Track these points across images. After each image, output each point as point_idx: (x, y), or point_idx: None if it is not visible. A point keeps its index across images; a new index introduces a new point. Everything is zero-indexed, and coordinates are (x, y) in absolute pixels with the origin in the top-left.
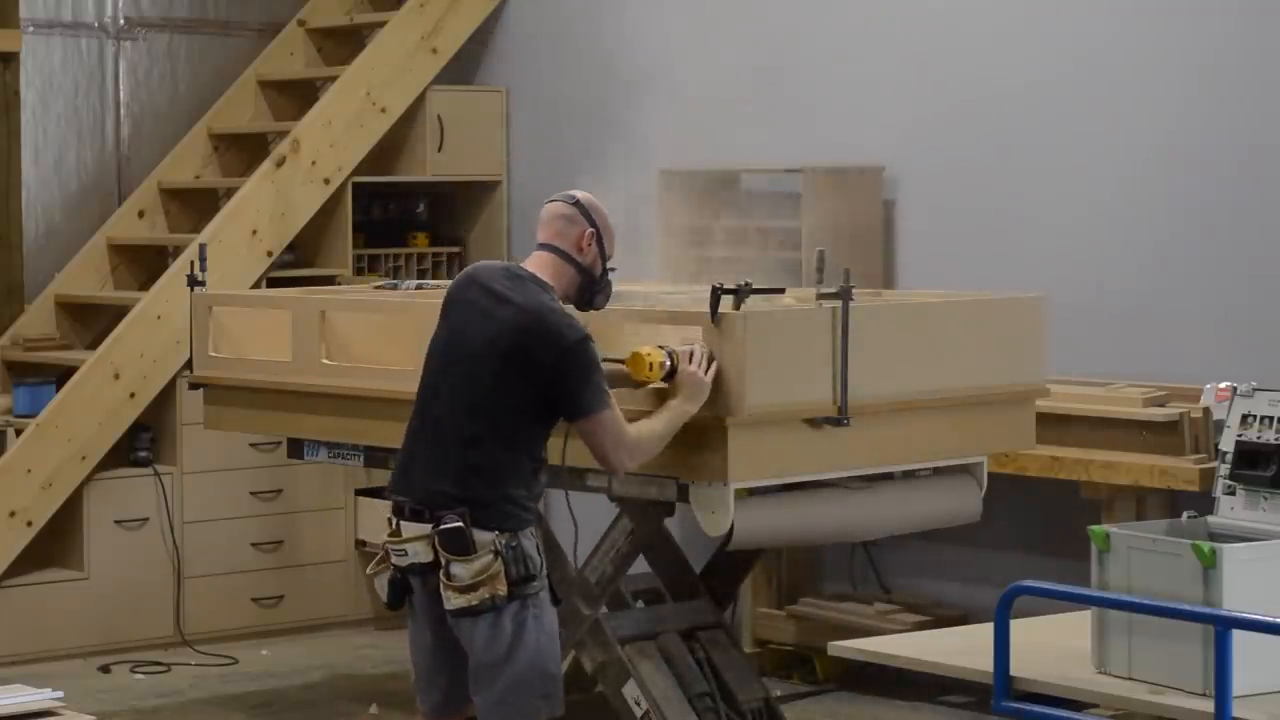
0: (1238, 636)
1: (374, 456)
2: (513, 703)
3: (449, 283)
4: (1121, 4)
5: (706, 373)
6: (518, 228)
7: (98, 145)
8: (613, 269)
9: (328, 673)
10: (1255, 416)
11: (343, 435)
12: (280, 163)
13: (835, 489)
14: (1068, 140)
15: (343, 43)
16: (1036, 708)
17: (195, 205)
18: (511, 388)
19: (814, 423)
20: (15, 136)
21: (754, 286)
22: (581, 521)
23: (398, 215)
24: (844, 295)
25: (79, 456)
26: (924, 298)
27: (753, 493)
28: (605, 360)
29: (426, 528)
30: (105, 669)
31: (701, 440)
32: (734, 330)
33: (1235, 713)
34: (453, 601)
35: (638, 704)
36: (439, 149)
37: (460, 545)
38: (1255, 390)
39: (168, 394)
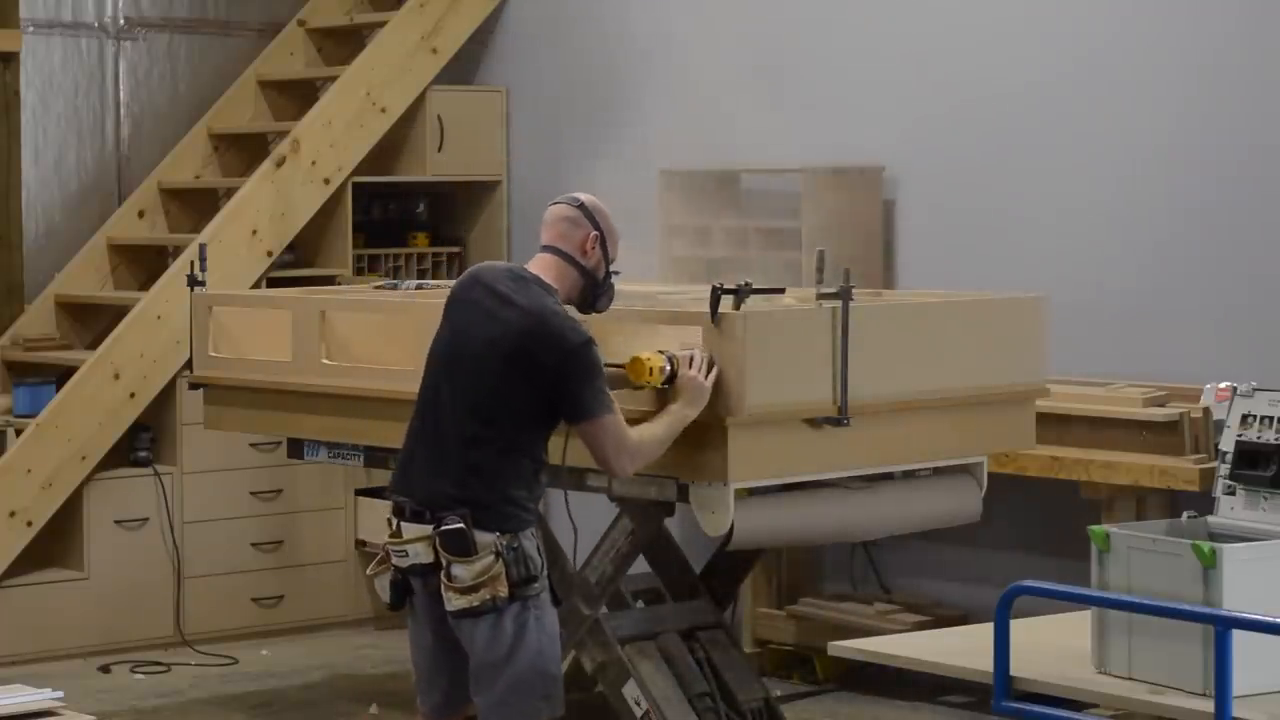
0: (1238, 636)
1: (374, 456)
2: (514, 704)
3: (449, 283)
4: (1121, 4)
5: (707, 378)
6: (518, 228)
7: (98, 145)
8: (616, 272)
9: (328, 673)
10: (1255, 416)
11: (343, 435)
12: (280, 163)
13: (835, 489)
14: (1068, 140)
15: (343, 43)
16: (1036, 708)
17: (195, 205)
18: (514, 390)
19: (814, 423)
20: (15, 136)
21: (754, 286)
22: (582, 522)
23: (398, 215)
24: (844, 295)
25: (79, 456)
26: (924, 298)
27: (753, 493)
28: (605, 365)
29: (427, 529)
30: (105, 669)
31: (701, 440)
32: (734, 330)
33: (1235, 713)
34: (454, 603)
35: (638, 704)
36: (439, 149)
37: (461, 546)
38: (1255, 390)
39: (168, 394)
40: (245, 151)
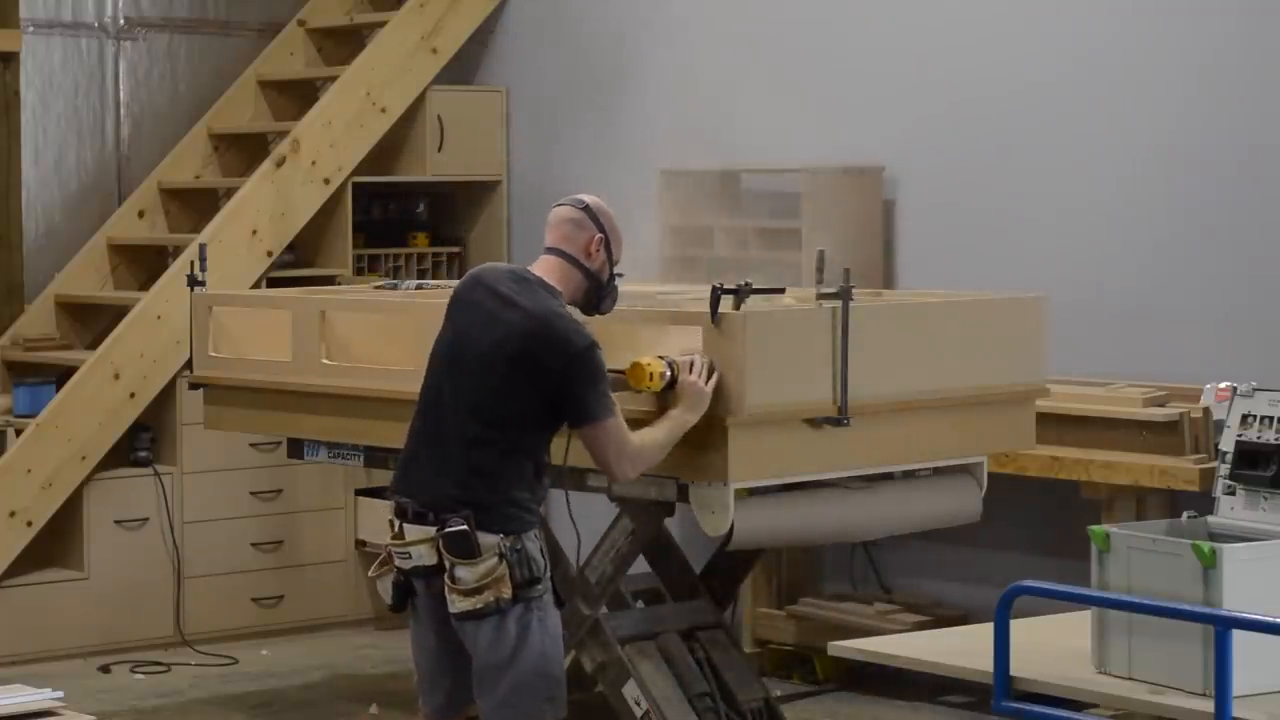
0: (1238, 636)
1: (374, 456)
2: (517, 705)
3: (449, 283)
4: (1121, 4)
5: (707, 383)
6: (518, 228)
7: (98, 145)
8: (619, 274)
9: (328, 673)
10: (1255, 416)
11: (343, 435)
12: (280, 163)
13: (835, 489)
14: (1068, 140)
15: (343, 43)
16: (1036, 708)
17: (195, 205)
18: (517, 392)
19: (814, 423)
20: (15, 136)
21: (754, 286)
22: (582, 522)
23: (398, 215)
24: (844, 295)
25: (79, 456)
26: (924, 298)
27: (753, 493)
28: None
29: (430, 530)
30: (105, 669)
31: (702, 440)
32: (734, 330)
33: (1235, 713)
34: (457, 604)
35: (638, 704)
36: (439, 149)
37: (465, 548)
38: (1255, 390)
39: (168, 394)
40: (245, 151)
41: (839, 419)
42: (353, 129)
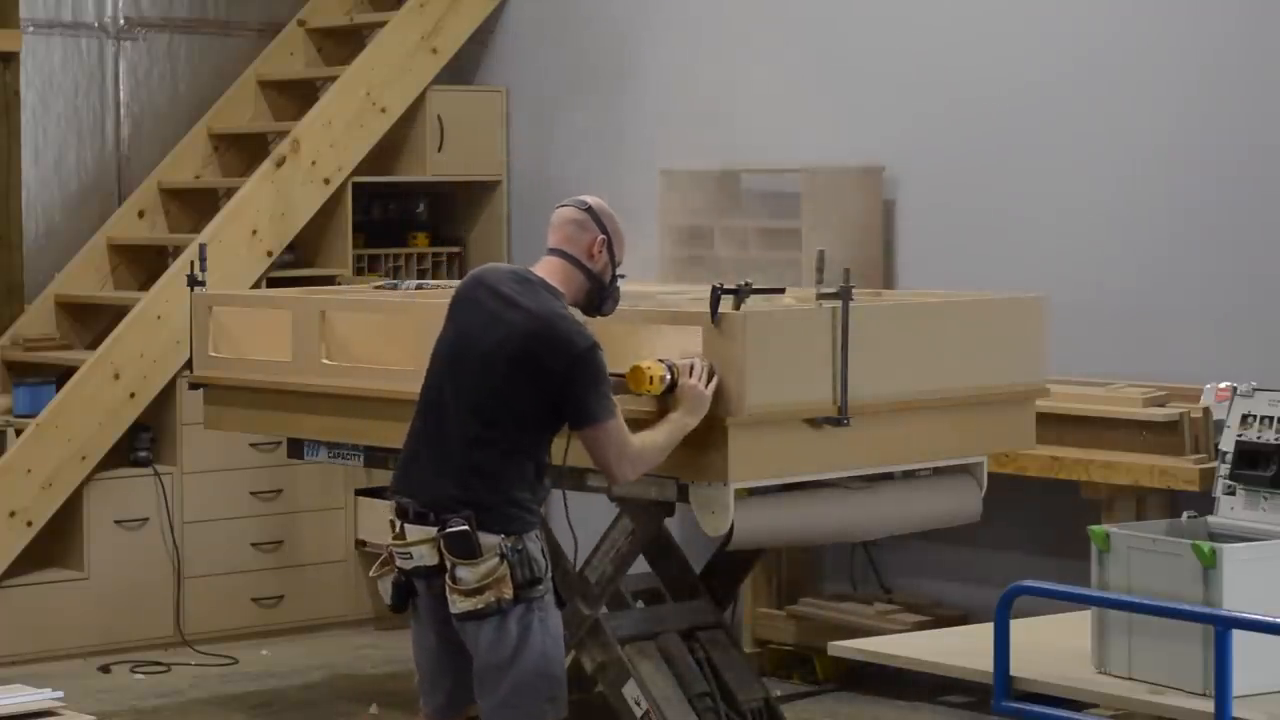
0: (1238, 636)
1: (374, 456)
2: (518, 706)
3: (449, 283)
4: (1121, 4)
5: (707, 386)
6: (518, 228)
7: (98, 145)
8: (622, 276)
9: (328, 673)
10: (1255, 416)
11: (343, 435)
12: (280, 163)
13: (835, 489)
14: (1068, 140)
15: (343, 43)
16: (1036, 708)
17: (195, 205)
18: (518, 392)
19: (814, 423)
20: (15, 136)
21: (754, 286)
22: (582, 522)
23: (398, 215)
24: (844, 295)
25: (79, 456)
26: (924, 298)
27: (753, 493)
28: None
29: (431, 530)
30: (105, 669)
31: (701, 440)
32: (734, 330)
33: (1235, 713)
34: (458, 605)
35: (638, 704)
36: (439, 149)
37: (466, 549)
38: (1255, 390)
39: (168, 394)
40: (245, 151)
41: (839, 419)
42: (353, 129)
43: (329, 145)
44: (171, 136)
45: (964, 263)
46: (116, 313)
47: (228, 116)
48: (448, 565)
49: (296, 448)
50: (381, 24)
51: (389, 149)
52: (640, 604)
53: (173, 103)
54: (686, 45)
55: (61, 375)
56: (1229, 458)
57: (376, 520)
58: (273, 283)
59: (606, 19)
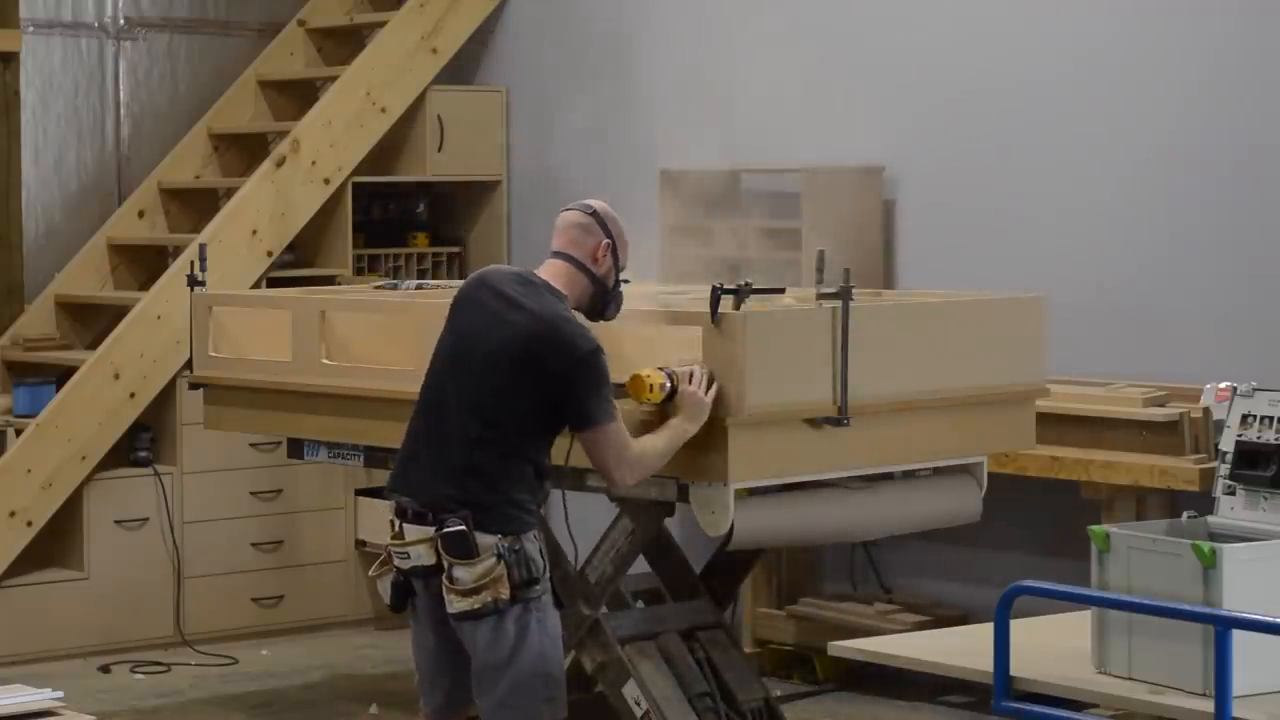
0: (1238, 636)
1: (374, 456)
2: (516, 706)
3: (449, 283)
4: (1121, 4)
5: (706, 393)
6: (518, 228)
7: (98, 145)
8: (625, 280)
9: (328, 673)
10: (1255, 416)
11: (343, 435)
12: (280, 163)
13: (835, 489)
14: (1068, 140)
15: (343, 43)
16: (1036, 708)
17: (195, 205)
18: (520, 393)
19: (814, 423)
20: (15, 136)
21: (754, 286)
22: (582, 522)
23: (398, 215)
24: (844, 295)
25: (79, 456)
26: (924, 298)
27: (753, 493)
28: None
29: (429, 530)
30: (105, 669)
31: (702, 440)
32: (734, 330)
33: (1235, 713)
34: (455, 605)
35: (638, 704)
36: (439, 149)
37: (463, 549)
38: (1255, 390)
39: (168, 394)
40: (245, 151)
41: (839, 419)
42: (353, 129)
43: (329, 145)
44: (171, 136)
45: (964, 263)
46: (116, 313)
47: (228, 116)
48: (445, 565)
49: (296, 448)
50: (381, 24)
51: (389, 149)
52: (640, 604)
53: (173, 103)
54: (687, 45)
55: (61, 375)
56: (1229, 458)
57: (376, 520)
58: (273, 283)
59: (606, 19)
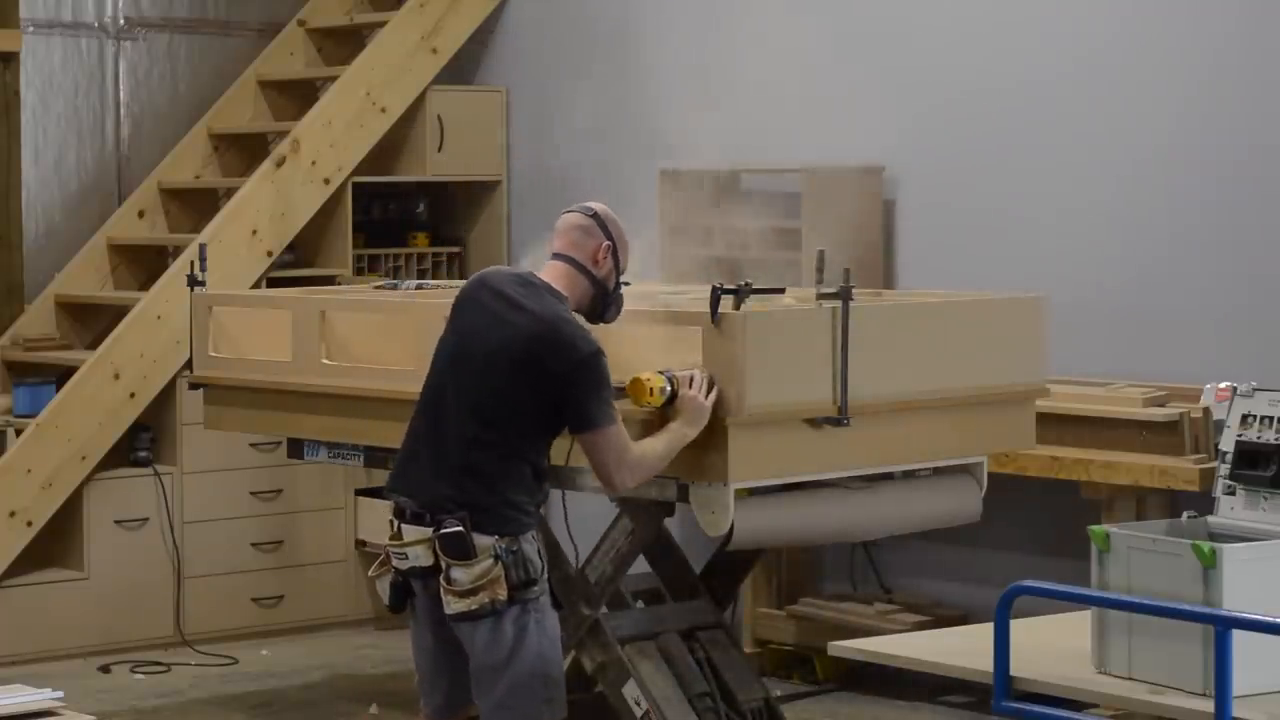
0: (1238, 636)
1: (374, 456)
2: (514, 707)
3: (449, 283)
4: (1121, 4)
5: (707, 397)
6: (518, 228)
7: (98, 145)
8: (626, 282)
9: (328, 673)
10: (1255, 416)
11: (343, 435)
12: (280, 163)
13: (835, 489)
14: (1068, 140)
15: (343, 43)
16: (1036, 708)
17: (195, 205)
18: (520, 394)
19: (814, 423)
20: (15, 136)
21: (754, 286)
22: (581, 522)
23: (398, 215)
24: (844, 295)
25: (79, 456)
26: (924, 298)
27: (753, 493)
28: None
29: (427, 531)
30: (105, 669)
31: (702, 440)
32: (734, 330)
33: (1235, 713)
34: (452, 606)
35: (638, 704)
36: (439, 149)
37: (460, 550)
38: (1255, 390)
39: (168, 394)
40: (245, 151)
41: (839, 419)
42: (353, 129)
43: (329, 145)
44: (171, 136)
45: (964, 263)
46: (116, 313)
47: (228, 116)
48: (442, 566)
49: (296, 448)
50: (381, 24)
51: (389, 149)
52: (640, 604)
53: (173, 103)
54: (686, 45)
55: (61, 375)
56: (1229, 458)
57: (376, 520)
58: (273, 283)
59: (607, 19)
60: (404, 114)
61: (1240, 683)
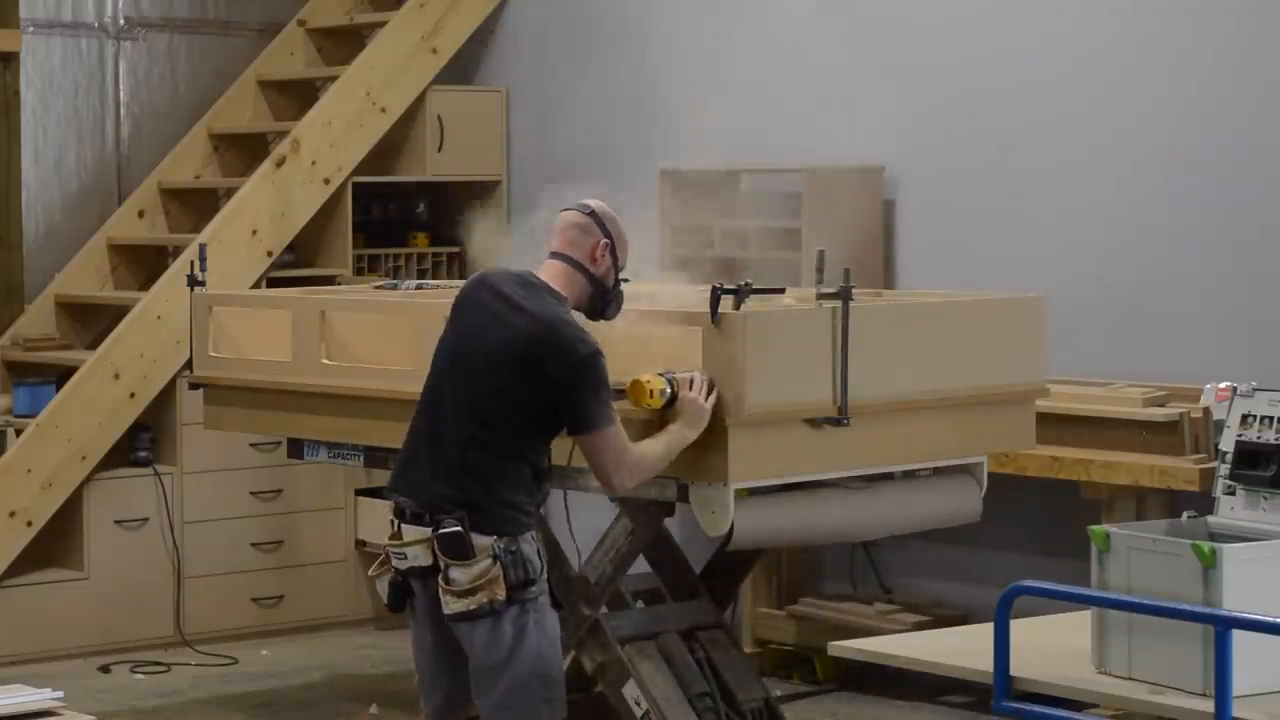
0: (1238, 636)
1: (374, 456)
2: (514, 707)
3: (449, 283)
4: (1121, 4)
5: (707, 399)
6: (518, 228)
7: (98, 145)
8: (625, 280)
9: (328, 673)
10: (1255, 416)
11: (343, 435)
12: (280, 163)
13: (835, 489)
14: (1067, 140)
15: (343, 43)
16: (1036, 708)
17: (195, 205)
18: (519, 395)
19: (814, 423)
20: (15, 136)
21: (754, 286)
22: (582, 521)
23: (398, 215)
24: (844, 295)
25: (79, 456)
26: (924, 298)
27: (753, 493)
28: None
29: (427, 531)
30: (105, 669)
31: (702, 440)
32: (734, 330)
33: (1235, 713)
34: (451, 606)
35: (638, 704)
36: (439, 149)
37: (459, 550)
38: (1255, 390)
39: (168, 394)
40: (245, 151)
41: (839, 419)
42: (353, 129)
43: (329, 145)
44: (171, 136)
45: (964, 263)
46: (116, 313)
47: (228, 116)
48: (441, 566)
49: (296, 448)
50: (381, 24)
51: (389, 149)
52: (640, 604)
53: (173, 103)
54: (687, 45)
55: (61, 375)
56: (1229, 458)
57: (376, 520)
58: (273, 283)
59: (607, 19)
60: (404, 114)
61: (1240, 683)
